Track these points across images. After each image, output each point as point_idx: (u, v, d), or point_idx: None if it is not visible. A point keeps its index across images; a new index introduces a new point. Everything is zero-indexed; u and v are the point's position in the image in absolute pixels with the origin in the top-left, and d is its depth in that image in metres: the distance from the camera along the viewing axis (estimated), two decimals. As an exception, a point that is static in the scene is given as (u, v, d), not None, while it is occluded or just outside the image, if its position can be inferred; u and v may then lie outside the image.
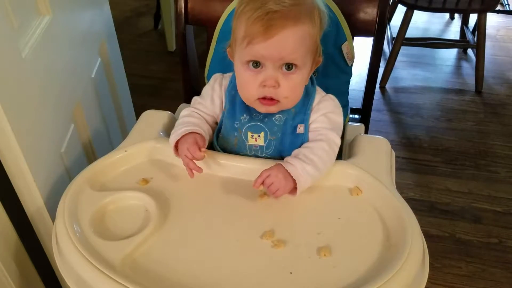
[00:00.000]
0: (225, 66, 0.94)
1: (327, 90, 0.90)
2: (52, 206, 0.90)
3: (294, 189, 0.79)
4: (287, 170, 0.78)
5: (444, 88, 2.43)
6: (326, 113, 0.85)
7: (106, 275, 0.66)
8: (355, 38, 1.04)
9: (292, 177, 0.78)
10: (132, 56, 1.70)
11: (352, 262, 0.71)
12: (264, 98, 0.80)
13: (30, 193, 0.86)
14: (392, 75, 2.42)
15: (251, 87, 0.80)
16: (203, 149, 0.82)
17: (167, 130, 0.95)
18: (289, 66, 0.77)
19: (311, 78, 0.87)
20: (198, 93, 1.19)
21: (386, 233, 0.75)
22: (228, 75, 0.92)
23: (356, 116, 1.14)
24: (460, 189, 1.83)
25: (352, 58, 1.02)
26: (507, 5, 2.76)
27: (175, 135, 0.85)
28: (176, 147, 0.85)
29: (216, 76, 0.93)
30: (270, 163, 0.83)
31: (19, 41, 0.82)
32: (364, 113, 1.12)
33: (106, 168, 0.86)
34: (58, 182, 0.94)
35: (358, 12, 1.00)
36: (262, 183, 0.78)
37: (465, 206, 1.76)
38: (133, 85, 1.63)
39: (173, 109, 1.00)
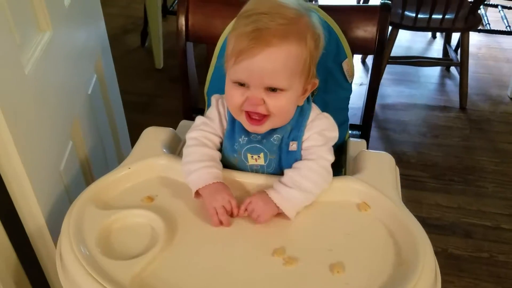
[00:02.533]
0: (224, 82, 0.94)
1: (326, 106, 0.90)
2: (52, 226, 0.88)
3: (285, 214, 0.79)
4: (270, 198, 0.78)
5: (429, 105, 2.48)
6: (320, 130, 0.85)
7: (116, 296, 0.65)
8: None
9: (274, 202, 0.78)
10: (120, 73, 1.69)
11: (365, 279, 0.70)
12: (251, 118, 0.81)
13: (31, 213, 0.84)
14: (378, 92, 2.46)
15: (236, 101, 0.80)
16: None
17: (170, 147, 0.95)
18: (273, 89, 0.78)
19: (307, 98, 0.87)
20: (197, 110, 1.20)
21: (396, 249, 0.75)
22: None
23: (356, 132, 1.14)
24: (450, 204, 1.85)
25: (352, 75, 1.03)
26: (487, 25, 2.84)
27: (196, 177, 0.82)
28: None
29: (217, 97, 0.92)
30: (275, 178, 0.83)
31: (22, 58, 0.81)
32: (364, 129, 1.13)
33: (109, 185, 0.85)
34: (58, 201, 0.92)
35: (358, 30, 1.02)
36: (245, 209, 0.79)
37: (455, 221, 1.78)
38: (123, 102, 1.61)
39: (162, 125, 0.99)
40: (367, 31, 1.00)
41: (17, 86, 0.78)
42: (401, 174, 0.90)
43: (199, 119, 0.90)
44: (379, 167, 0.87)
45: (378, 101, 2.46)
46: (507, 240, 1.69)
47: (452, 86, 2.63)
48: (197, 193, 0.82)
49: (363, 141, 1.03)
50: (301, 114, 0.85)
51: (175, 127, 1.10)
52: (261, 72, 0.76)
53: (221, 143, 0.90)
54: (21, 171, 0.78)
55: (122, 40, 2.97)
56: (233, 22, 1.01)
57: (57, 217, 0.90)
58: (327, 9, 0.95)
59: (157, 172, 0.88)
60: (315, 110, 0.87)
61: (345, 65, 1.00)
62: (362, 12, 1.01)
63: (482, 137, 2.23)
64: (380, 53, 1.02)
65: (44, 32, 0.91)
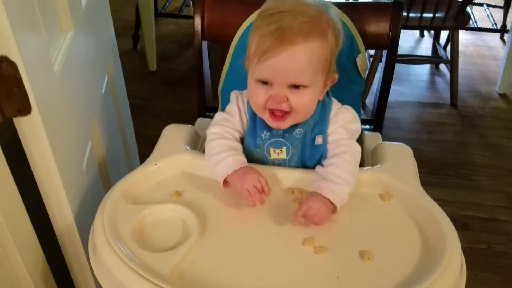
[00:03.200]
0: (240, 82, 0.96)
1: (340, 102, 0.93)
2: (79, 224, 0.89)
3: (334, 209, 0.81)
4: (325, 197, 0.79)
5: (420, 102, 2.53)
6: (344, 124, 0.88)
7: (158, 286, 0.66)
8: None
9: (331, 201, 0.79)
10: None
11: (395, 266, 0.73)
12: (273, 114, 0.83)
13: (61, 211, 0.85)
14: (370, 90, 2.51)
15: (260, 99, 0.82)
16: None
17: (191, 144, 0.96)
18: (297, 86, 0.80)
19: (326, 91, 0.90)
20: (210, 108, 1.22)
21: (422, 236, 0.78)
22: (246, 92, 0.92)
23: (367, 126, 1.17)
24: (446, 198, 1.89)
25: (365, 70, 1.06)
26: (474, 23, 2.91)
27: (223, 166, 0.83)
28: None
29: (236, 94, 0.94)
30: (302, 172, 0.86)
31: (51, 56, 0.82)
32: (376, 123, 1.16)
33: (137, 182, 0.86)
34: (83, 200, 0.93)
35: (371, 26, 1.05)
36: (303, 215, 0.78)
37: (453, 214, 1.82)
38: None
39: (158, 128, 1.01)
40: (380, 26, 1.04)
41: (48, 84, 0.79)
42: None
43: (219, 115, 0.92)
44: (399, 158, 0.90)
45: (370, 99, 2.51)
46: (504, 231, 1.74)
47: (442, 84, 2.69)
48: (225, 183, 0.84)
49: (378, 134, 1.06)
50: (323, 108, 0.88)
51: None
52: (285, 70, 0.78)
53: (242, 139, 0.92)
54: (54, 170, 0.79)
55: (114, 43, 2.96)
56: (247, 21, 1.04)
57: (83, 216, 0.91)
58: (340, 6, 0.98)
59: (182, 168, 0.90)
60: (335, 104, 0.90)
61: (358, 60, 1.03)
62: (375, 8, 1.04)
63: (473, 132, 2.29)
64: (393, 48, 1.05)
65: (67, 32, 0.92)
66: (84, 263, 0.96)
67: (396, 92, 2.58)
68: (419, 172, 0.91)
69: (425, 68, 2.82)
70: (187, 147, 0.93)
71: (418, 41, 3.14)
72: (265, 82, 0.81)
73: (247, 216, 0.82)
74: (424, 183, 1.92)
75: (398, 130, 2.31)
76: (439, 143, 2.21)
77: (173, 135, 0.96)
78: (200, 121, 1.10)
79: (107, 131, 1.17)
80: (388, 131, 2.29)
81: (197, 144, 1.00)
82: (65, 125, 0.86)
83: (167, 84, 2.62)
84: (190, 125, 1.00)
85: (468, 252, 1.66)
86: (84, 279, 0.98)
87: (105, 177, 1.12)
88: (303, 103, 0.82)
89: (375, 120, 1.17)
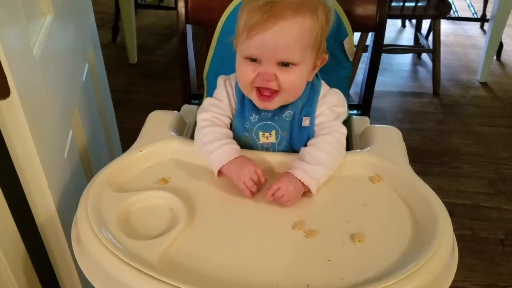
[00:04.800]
0: (225, 67, 0.95)
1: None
2: (61, 214, 0.86)
3: (308, 191, 0.80)
4: (296, 178, 0.79)
5: (403, 92, 2.54)
6: (331, 106, 0.86)
7: (146, 275, 0.64)
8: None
9: (302, 182, 0.79)
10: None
11: (387, 247, 0.72)
12: (261, 94, 0.81)
13: (43, 200, 0.82)
14: (354, 81, 2.51)
15: (247, 76, 0.80)
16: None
17: (177, 130, 0.94)
18: (286, 64, 0.78)
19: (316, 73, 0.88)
20: (195, 96, 1.19)
21: (413, 217, 0.77)
22: (234, 76, 0.89)
23: (355, 111, 1.17)
24: (430, 186, 1.90)
25: (353, 54, 1.05)
26: (455, 12, 2.93)
27: (219, 155, 0.81)
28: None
29: (224, 78, 0.91)
30: (290, 156, 0.85)
31: (30, 39, 0.78)
32: (364, 108, 1.15)
33: (122, 169, 0.84)
34: (65, 190, 0.90)
35: (358, 8, 1.04)
36: (272, 195, 0.78)
37: (437, 202, 1.83)
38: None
39: (139, 121, 0.98)
40: (367, 8, 1.02)
41: (28, 68, 0.75)
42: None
43: (208, 100, 0.90)
44: (387, 140, 0.90)
45: (354, 89, 2.52)
46: (486, 217, 1.76)
47: (424, 73, 2.71)
48: (219, 173, 0.82)
49: (366, 118, 1.05)
50: (312, 89, 0.87)
51: None
52: (274, 46, 0.76)
53: (231, 124, 0.90)
54: (35, 157, 0.76)
55: (93, 35, 2.91)
56: (233, 3, 1.02)
57: (65, 206, 0.88)
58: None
59: (168, 155, 0.88)
60: (324, 86, 0.89)
61: (346, 43, 1.02)
62: (362, -11, 1.03)
63: (455, 120, 2.31)
64: (380, 30, 1.04)
65: (46, 15, 0.88)
66: (68, 255, 0.93)
67: (378, 82, 2.54)
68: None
69: (407, 58, 2.83)
70: (172, 133, 0.91)
71: (400, 31, 3.15)
72: (253, 60, 0.79)
73: (236, 202, 0.80)
74: (408, 171, 1.96)
75: (381, 120, 2.32)
76: (422, 132, 2.23)
77: (159, 121, 0.94)
78: (185, 107, 1.08)
79: (88, 120, 1.14)
80: (372, 121, 2.28)
81: (183, 130, 0.98)
82: (46, 111, 0.83)
83: (147, 76, 2.58)
84: (176, 111, 0.98)
85: (452, 238, 1.67)
86: (68, 271, 0.95)
87: (87, 167, 1.09)
88: (292, 82, 0.80)
89: (363, 105, 1.16)
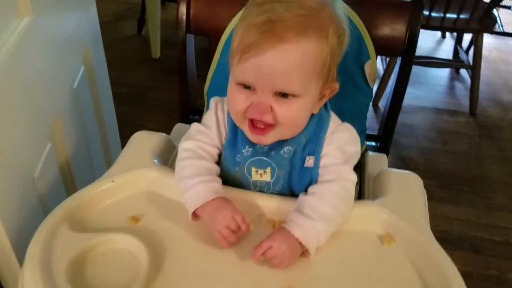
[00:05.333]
0: (227, 82, 0.81)
1: (342, 113, 0.78)
2: (21, 245, 0.75)
3: (306, 251, 0.66)
4: (293, 235, 0.65)
5: (437, 108, 2.36)
6: (340, 146, 0.72)
7: None
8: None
9: (300, 241, 0.65)
10: (112, 62, 1.57)
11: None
12: (254, 126, 0.69)
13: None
14: (384, 92, 2.34)
15: (239, 105, 0.68)
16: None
17: (162, 156, 0.82)
18: (284, 94, 0.66)
19: (325, 103, 0.75)
20: (194, 111, 1.07)
21: (426, 292, 0.63)
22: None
23: (373, 143, 1.01)
24: (457, 216, 1.75)
25: (374, 80, 0.91)
26: (500, 26, 2.71)
27: (193, 195, 0.69)
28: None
29: (216, 100, 0.79)
30: (285, 201, 0.71)
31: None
32: (383, 141, 1.00)
33: (88, 202, 0.72)
34: (29, 215, 0.79)
35: (385, 28, 0.89)
36: (263, 254, 0.65)
37: (463, 235, 1.68)
38: (112, 93, 1.48)
39: (154, 120, 0.86)
40: (395, 29, 0.87)
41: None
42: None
43: (194, 126, 0.78)
44: (405, 192, 0.75)
45: (383, 101, 2.35)
46: (517, 257, 1.59)
47: (462, 89, 2.52)
48: (195, 215, 0.70)
49: (384, 156, 0.90)
50: (318, 124, 0.73)
51: (167, 123, 0.98)
52: (271, 73, 0.63)
53: (219, 155, 0.77)
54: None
55: (116, 27, 2.83)
56: (240, 13, 0.88)
57: (28, 235, 0.77)
58: (349, 2, 0.82)
59: (145, 187, 0.76)
60: (334, 120, 0.75)
61: (367, 67, 0.87)
62: (391, 7, 0.87)
63: (492, 145, 2.14)
64: (410, 54, 0.89)
65: (23, 17, 0.77)
66: None
67: (411, 96, 2.41)
68: (430, 185, 0.76)
69: (444, 72, 2.64)
70: (155, 161, 0.79)
71: (439, 42, 2.95)
72: (247, 87, 0.66)
73: (216, 253, 0.67)
74: (434, 197, 1.79)
75: (411, 137, 2.15)
76: (454, 155, 2.06)
77: (141, 144, 0.82)
78: (178, 127, 0.96)
79: (76, 131, 1.03)
80: (400, 137, 2.13)
81: (170, 156, 0.85)
82: (3, 126, 0.72)
83: (169, 72, 2.48)
84: (164, 134, 0.85)
85: (477, 278, 1.52)
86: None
87: (70, 187, 0.98)
88: (290, 115, 0.67)
89: (382, 138, 1.01)
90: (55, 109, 0.92)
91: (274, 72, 0.63)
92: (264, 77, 0.64)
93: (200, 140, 0.75)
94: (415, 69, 2.55)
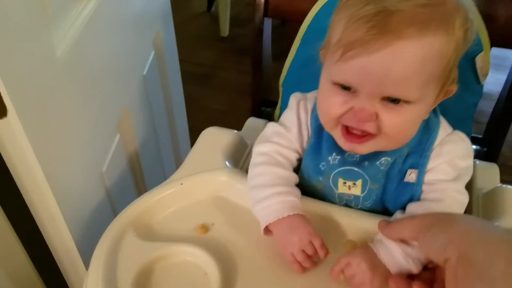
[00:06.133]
0: (308, 75, 0.71)
1: (444, 114, 0.66)
2: (88, 243, 0.71)
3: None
4: (377, 256, 0.55)
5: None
6: (451, 159, 0.61)
7: None
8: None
9: (385, 263, 0.55)
10: (180, 41, 1.51)
11: None
12: (348, 132, 0.58)
13: (59, 233, 0.67)
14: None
15: (335, 110, 0.57)
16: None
17: (234, 156, 0.75)
18: (395, 100, 0.55)
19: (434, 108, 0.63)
20: (267, 102, 0.98)
21: None
22: (312, 96, 0.68)
23: (478, 147, 0.87)
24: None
25: (486, 75, 0.77)
26: None
27: (266, 208, 0.61)
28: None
29: (298, 98, 0.69)
30: (375, 219, 0.60)
31: (53, 35, 0.62)
32: (492, 146, 0.85)
33: (155, 205, 0.66)
34: (97, 211, 0.75)
35: (504, 15, 0.75)
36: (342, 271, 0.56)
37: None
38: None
39: (222, 101, 0.79)
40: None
41: (45, 72, 0.60)
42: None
43: (271, 126, 0.69)
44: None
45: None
46: None
47: None
48: (267, 229, 0.62)
49: (495, 167, 0.76)
50: (426, 131, 0.62)
51: (234, 105, 0.90)
52: (382, 76, 0.52)
53: (299, 160, 0.68)
54: (44, 186, 0.61)
55: (185, 4, 2.78)
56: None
57: (95, 232, 0.73)
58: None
59: (215, 191, 0.69)
60: (445, 127, 0.64)
61: (479, 60, 0.74)
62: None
63: None
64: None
65: (87, 2, 0.71)
66: None
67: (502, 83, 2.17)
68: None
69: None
70: (226, 162, 0.72)
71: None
72: (346, 87, 0.56)
73: (293, 276, 0.59)
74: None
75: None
76: None
77: (212, 143, 0.75)
78: (250, 123, 0.87)
79: (144, 119, 0.98)
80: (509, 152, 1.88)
81: (242, 157, 0.77)
82: (69, 121, 0.67)
83: (236, 52, 2.41)
84: (235, 131, 0.78)
85: None
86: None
87: (139, 180, 0.94)
88: (400, 126, 0.56)
89: (490, 141, 0.86)
90: (125, 98, 0.88)
91: (387, 75, 0.52)
92: (372, 80, 0.53)
93: (278, 143, 0.66)
94: (506, 52, 2.30)
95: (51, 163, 0.61)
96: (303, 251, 0.58)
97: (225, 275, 0.58)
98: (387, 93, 0.53)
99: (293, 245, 0.58)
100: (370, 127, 0.56)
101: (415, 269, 0.55)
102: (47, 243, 0.68)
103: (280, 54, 0.97)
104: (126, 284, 0.57)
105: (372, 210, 0.65)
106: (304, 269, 0.59)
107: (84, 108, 0.71)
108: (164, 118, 1.10)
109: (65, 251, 0.70)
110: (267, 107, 0.96)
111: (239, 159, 0.76)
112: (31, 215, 0.64)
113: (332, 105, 0.57)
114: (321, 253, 0.58)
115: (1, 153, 0.57)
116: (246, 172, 0.67)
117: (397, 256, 0.55)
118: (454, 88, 0.60)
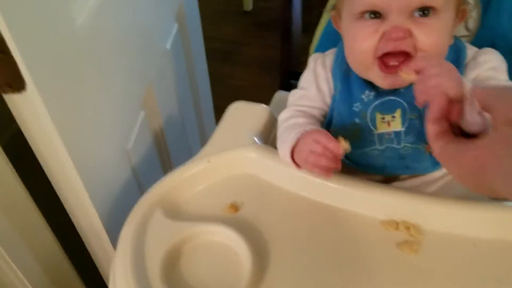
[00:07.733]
0: (339, 42, 0.69)
1: (493, 38, 0.68)
2: (115, 222, 0.69)
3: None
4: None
5: None
6: (489, 68, 0.61)
7: None
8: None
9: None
10: (202, 15, 1.46)
11: None
12: (386, 66, 0.57)
13: (85, 212, 0.66)
14: None
15: (368, 42, 0.57)
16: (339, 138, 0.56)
17: (263, 132, 0.71)
18: (424, 11, 0.56)
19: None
20: (297, 74, 0.94)
21: None
22: (331, 52, 0.70)
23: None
24: None
25: None
26: None
27: (287, 142, 0.61)
28: (293, 158, 0.60)
29: (316, 57, 0.70)
30: (423, 196, 0.57)
31: (73, 3, 0.59)
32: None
33: (183, 184, 0.64)
34: (123, 190, 0.73)
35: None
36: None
37: None
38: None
39: (247, 77, 0.76)
40: None
41: (64, 42, 0.57)
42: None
43: (292, 94, 0.70)
44: None
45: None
46: None
47: None
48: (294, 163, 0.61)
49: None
50: (455, 53, 0.63)
51: (259, 82, 0.87)
52: None
53: (324, 117, 0.67)
54: (68, 164, 0.58)
55: (208, -25, 2.72)
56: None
57: (122, 212, 0.72)
58: None
59: (244, 169, 0.66)
60: (470, 48, 0.64)
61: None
62: None
63: None
64: None
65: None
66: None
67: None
68: None
69: None
70: (255, 138, 0.69)
71: None
72: (373, 14, 0.57)
73: (327, 253, 0.56)
74: None
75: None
76: None
77: (239, 118, 0.72)
78: (278, 96, 0.84)
79: (169, 94, 0.95)
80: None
81: (270, 132, 0.74)
82: (92, 97, 0.65)
83: (262, 26, 2.35)
84: (263, 105, 0.75)
85: None
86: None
87: (165, 157, 0.91)
88: (433, 38, 0.56)
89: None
90: (149, 72, 0.85)
91: None
92: None
93: (298, 105, 0.67)
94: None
95: (74, 141, 0.59)
96: (312, 151, 0.56)
97: (257, 255, 0.55)
98: (415, 3, 0.54)
99: (301, 152, 0.58)
100: (407, 46, 0.56)
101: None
102: (73, 221, 0.67)
103: (308, 26, 0.93)
104: (155, 266, 0.55)
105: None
106: (325, 170, 0.56)
107: (107, 82, 0.69)
108: (188, 94, 1.07)
109: (92, 230, 0.69)
110: (296, 80, 0.92)
111: (268, 135, 0.73)
112: (56, 194, 0.62)
113: (364, 37, 0.57)
114: (330, 145, 0.55)
115: (23, 131, 0.55)
116: (276, 148, 0.65)
117: None
118: (467, 9, 0.62)
